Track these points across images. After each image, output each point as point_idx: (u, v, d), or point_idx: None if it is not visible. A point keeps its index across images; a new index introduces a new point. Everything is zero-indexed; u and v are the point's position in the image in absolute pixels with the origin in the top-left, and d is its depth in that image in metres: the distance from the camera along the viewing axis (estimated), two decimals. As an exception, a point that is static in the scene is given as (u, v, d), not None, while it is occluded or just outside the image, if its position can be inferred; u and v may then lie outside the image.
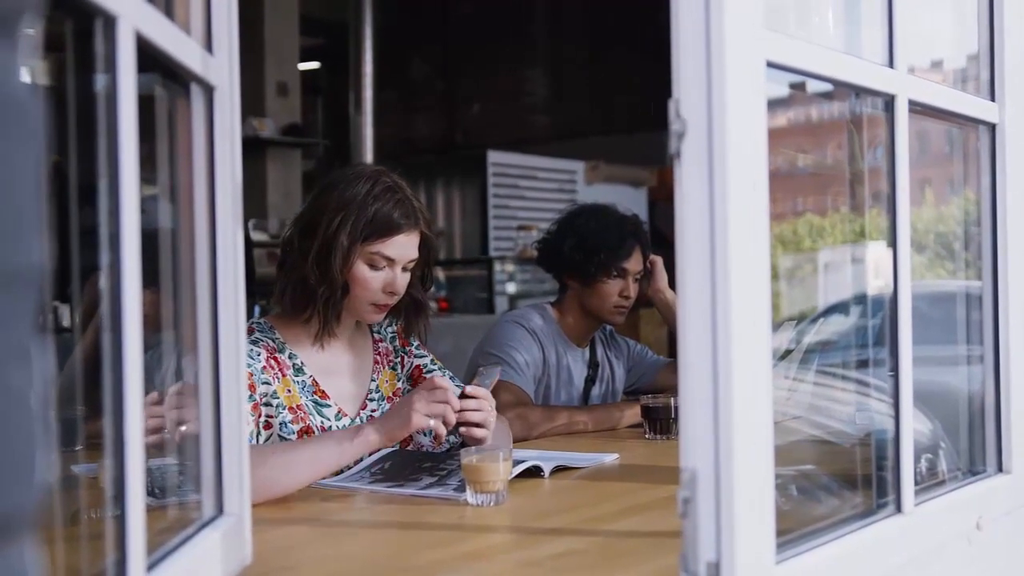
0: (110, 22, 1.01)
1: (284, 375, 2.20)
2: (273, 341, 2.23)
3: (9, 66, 0.56)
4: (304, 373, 2.23)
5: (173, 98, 1.35)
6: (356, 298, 2.23)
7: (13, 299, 0.55)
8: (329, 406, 2.24)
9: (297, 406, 2.18)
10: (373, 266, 2.21)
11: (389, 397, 2.36)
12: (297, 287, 2.22)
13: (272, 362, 2.18)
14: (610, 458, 2.36)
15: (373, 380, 2.36)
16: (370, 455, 2.17)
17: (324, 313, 2.21)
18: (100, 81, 1.03)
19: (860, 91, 1.58)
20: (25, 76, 0.58)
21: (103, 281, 1.02)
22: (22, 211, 0.56)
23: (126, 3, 1.03)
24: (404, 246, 2.23)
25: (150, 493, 1.11)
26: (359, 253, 2.19)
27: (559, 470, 2.18)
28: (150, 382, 1.12)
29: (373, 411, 2.31)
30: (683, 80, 1.20)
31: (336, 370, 2.30)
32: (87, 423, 1.17)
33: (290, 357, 2.23)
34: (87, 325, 1.73)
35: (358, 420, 2.27)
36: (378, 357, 2.39)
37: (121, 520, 1.02)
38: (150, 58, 1.13)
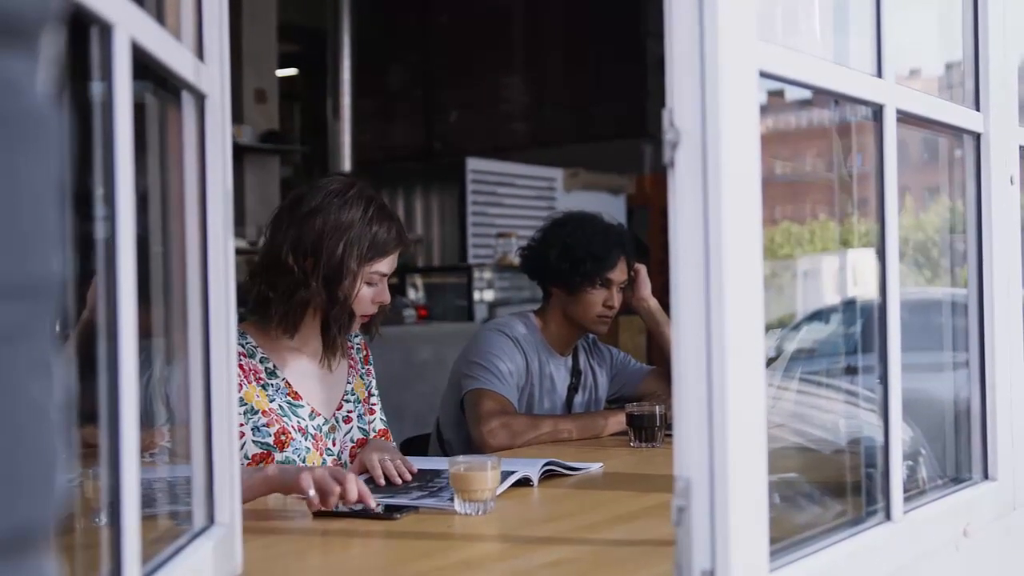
0: (106, 30, 1.01)
1: (251, 382, 2.24)
2: (243, 347, 2.25)
3: (30, 78, 0.56)
4: (277, 376, 2.28)
5: (163, 106, 1.34)
6: None
7: (34, 310, 0.55)
8: (303, 406, 2.29)
9: (269, 409, 2.23)
10: (370, 284, 2.29)
11: (363, 400, 2.44)
12: (299, 308, 2.25)
13: (239, 368, 2.20)
14: (595, 467, 2.36)
15: (349, 383, 2.43)
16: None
17: (339, 333, 2.29)
18: (95, 88, 1.03)
19: (850, 101, 1.59)
20: (44, 87, 0.58)
21: (99, 289, 1.01)
22: (43, 222, 0.56)
23: (122, 11, 1.02)
24: (395, 261, 2.34)
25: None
26: (362, 276, 2.27)
27: (548, 476, 2.18)
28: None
29: (349, 411, 2.39)
30: (677, 89, 1.20)
31: (311, 373, 2.35)
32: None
33: (261, 361, 2.28)
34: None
35: (332, 420, 2.35)
36: (352, 362, 2.46)
37: (116, 530, 1.01)
38: (142, 66, 1.13)
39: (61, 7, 0.62)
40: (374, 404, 2.50)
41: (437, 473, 2.17)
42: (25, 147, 0.55)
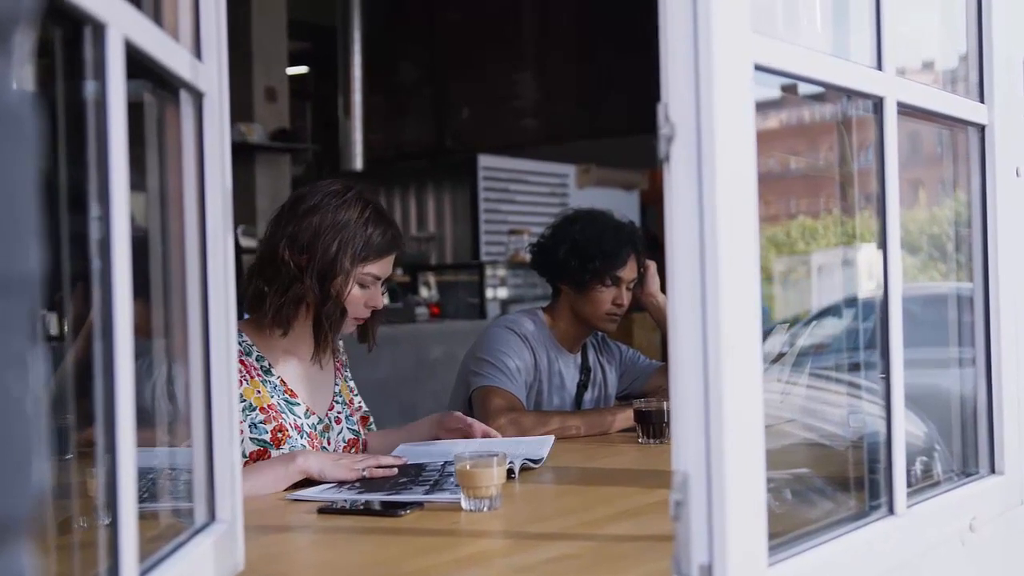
0: (99, 29, 1.01)
1: (252, 377, 2.28)
2: (240, 345, 2.27)
3: (3, 74, 0.56)
4: (273, 375, 2.32)
5: (162, 105, 1.34)
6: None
7: (10, 306, 0.55)
8: (298, 404, 2.34)
9: (268, 406, 2.28)
10: (362, 285, 2.33)
11: (348, 403, 2.49)
12: (292, 303, 2.29)
13: (239, 365, 2.22)
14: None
15: (336, 384, 2.48)
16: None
17: (330, 330, 2.33)
18: (89, 88, 1.03)
19: (849, 93, 1.58)
20: (19, 84, 0.58)
21: (94, 289, 1.02)
22: (18, 218, 0.56)
23: (115, 10, 1.02)
24: (390, 265, 2.37)
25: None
26: (355, 275, 2.29)
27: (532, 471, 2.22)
28: (141, 391, 1.11)
29: (339, 413, 2.45)
30: (671, 84, 1.20)
31: (303, 374, 2.39)
32: (78, 432, 1.17)
33: (258, 360, 2.32)
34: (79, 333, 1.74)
35: (327, 419, 2.40)
36: (339, 365, 2.52)
37: (114, 528, 1.01)
38: (138, 64, 1.13)
39: (35, 6, 0.62)
40: (359, 399, 2.55)
41: (419, 472, 2.18)
42: (1, 144, 0.56)
